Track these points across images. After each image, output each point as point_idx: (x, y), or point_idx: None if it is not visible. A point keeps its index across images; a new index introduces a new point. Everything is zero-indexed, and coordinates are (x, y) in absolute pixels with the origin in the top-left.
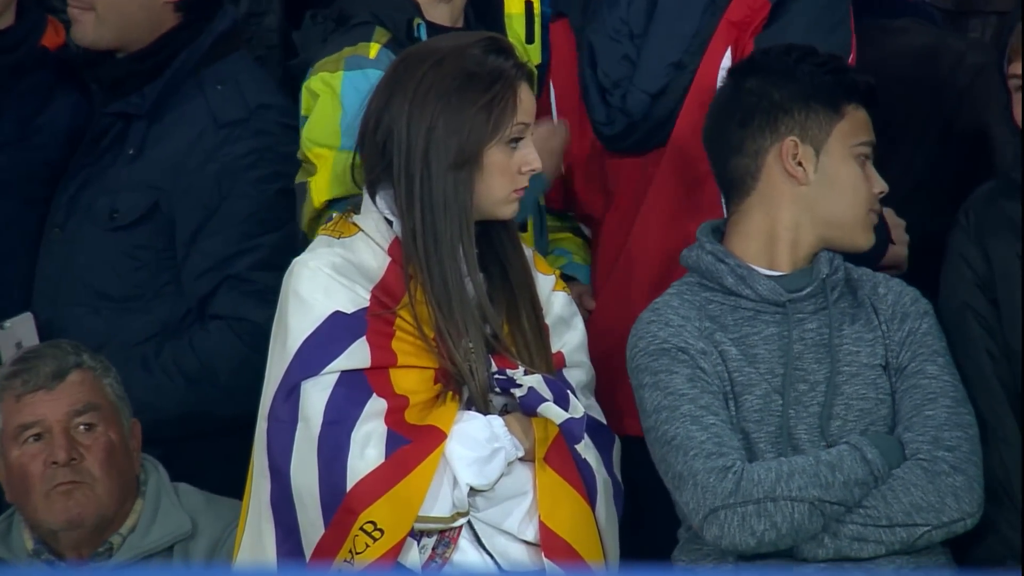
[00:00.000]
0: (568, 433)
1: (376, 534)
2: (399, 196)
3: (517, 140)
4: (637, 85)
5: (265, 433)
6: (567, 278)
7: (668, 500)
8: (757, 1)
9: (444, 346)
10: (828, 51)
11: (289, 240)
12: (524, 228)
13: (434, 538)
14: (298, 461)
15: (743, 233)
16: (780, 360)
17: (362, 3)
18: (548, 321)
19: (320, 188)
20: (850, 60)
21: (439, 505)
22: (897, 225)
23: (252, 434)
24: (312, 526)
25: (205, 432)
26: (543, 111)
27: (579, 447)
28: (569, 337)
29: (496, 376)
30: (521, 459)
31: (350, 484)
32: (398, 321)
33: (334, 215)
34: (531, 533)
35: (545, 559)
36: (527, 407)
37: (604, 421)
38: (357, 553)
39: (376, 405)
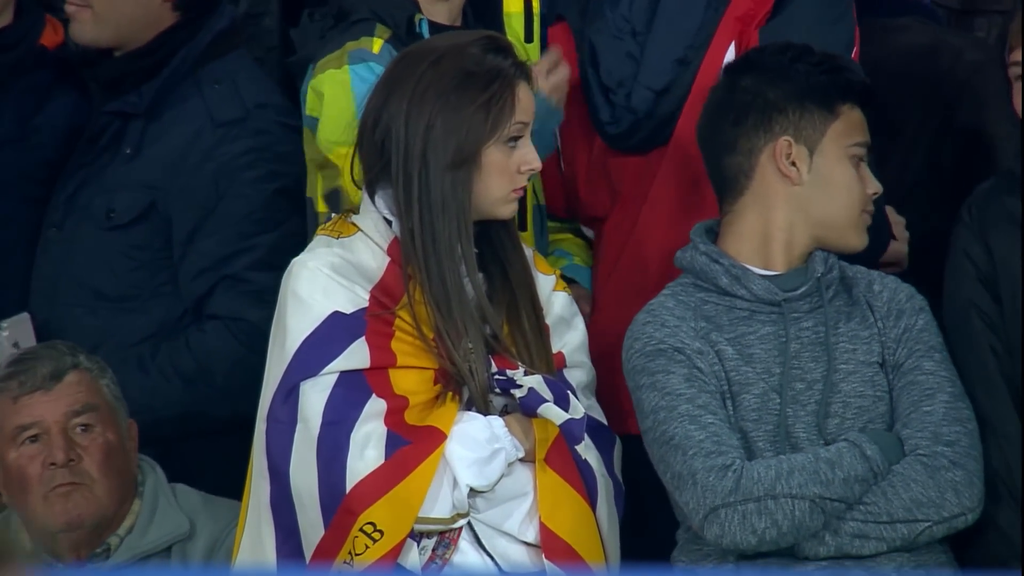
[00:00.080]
0: (568, 434)
1: (376, 535)
2: (397, 196)
3: (516, 139)
4: (641, 82)
5: (264, 434)
6: (567, 280)
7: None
8: None
9: (443, 346)
10: (832, 43)
11: (286, 240)
12: (524, 227)
13: (434, 539)
14: (297, 462)
15: (737, 233)
16: (777, 359)
17: (362, 0)
18: (548, 321)
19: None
20: (853, 53)
21: (439, 506)
22: (897, 222)
23: (249, 434)
24: (312, 527)
25: (202, 432)
26: None
27: (579, 448)
28: (570, 337)
29: (496, 377)
30: (521, 460)
31: (349, 485)
32: (397, 321)
33: (333, 215)
34: (531, 534)
35: (546, 560)
36: (527, 408)
37: (605, 421)
38: (357, 554)
39: (375, 406)
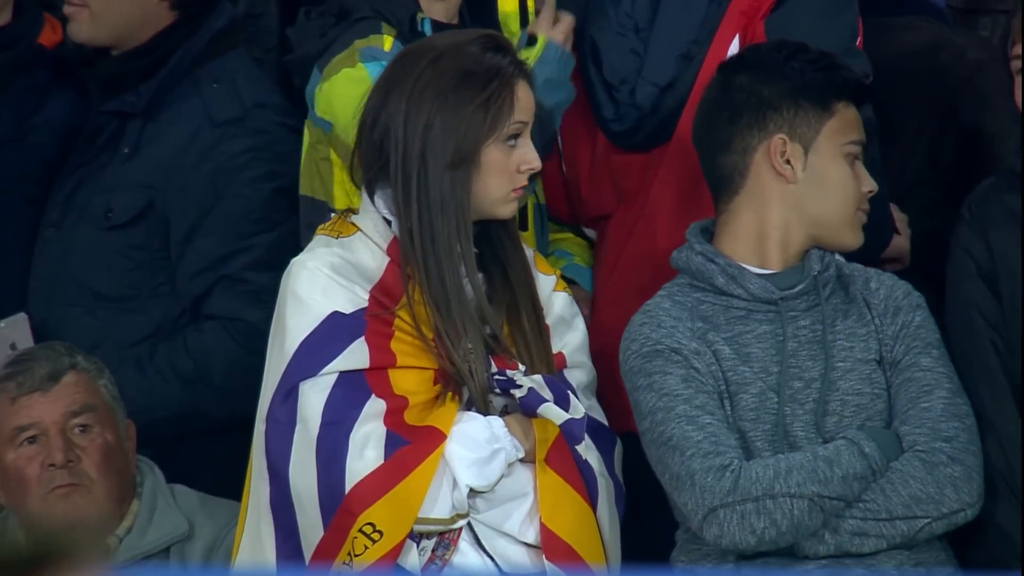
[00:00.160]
0: (568, 434)
1: (375, 536)
2: (396, 195)
3: (515, 138)
4: (646, 78)
5: (263, 435)
6: (567, 281)
7: None
8: None
9: (443, 347)
10: (835, 32)
11: (285, 240)
12: (525, 227)
13: (434, 540)
14: (297, 463)
15: (732, 233)
16: (774, 358)
17: None
18: (549, 321)
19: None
20: (858, 43)
21: (439, 506)
22: (900, 219)
23: (247, 434)
24: (311, 528)
25: (200, 433)
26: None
27: (580, 448)
28: (570, 338)
29: (496, 377)
30: (521, 460)
31: (349, 485)
32: (397, 321)
33: (332, 215)
34: (532, 535)
35: (546, 561)
36: (527, 408)
37: (605, 422)
38: (356, 555)
39: (375, 406)
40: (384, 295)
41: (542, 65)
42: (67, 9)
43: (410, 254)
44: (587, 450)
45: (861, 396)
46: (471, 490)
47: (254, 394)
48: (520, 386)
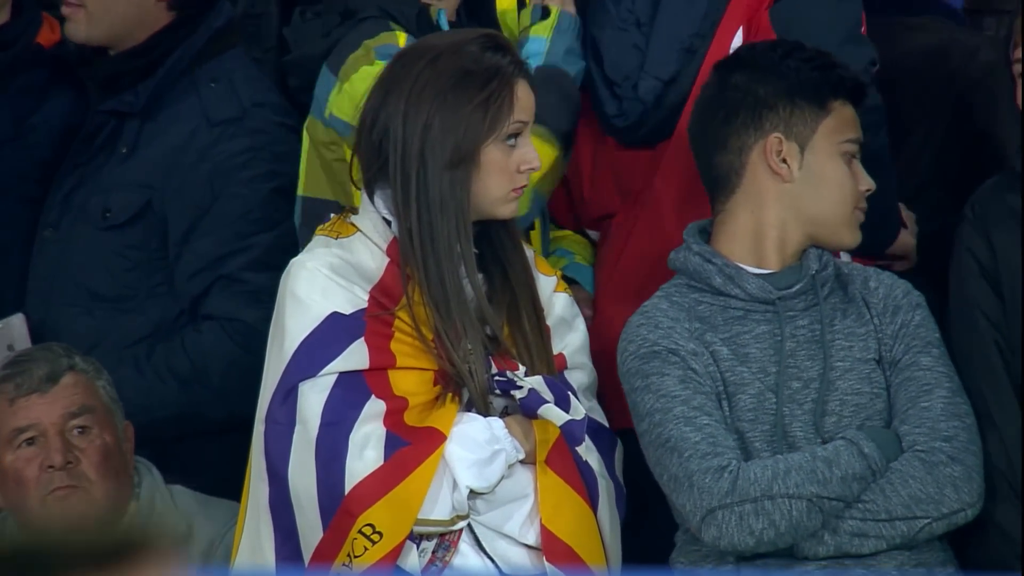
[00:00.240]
0: (569, 435)
1: (375, 537)
2: (395, 195)
3: (515, 137)
4: (648, 72)
5: (263, 436)
6: (568, 281)
7: None
8: None
9: (442, 347)
10: (839, 19)
11: (283, 240)
12: (532, 226)
13: (434, 542)
14: (296, 463)
15: (730, 233)
16: (772, 358)
17: None
18: (549, 322)
19: None
20: (861, 31)
21: (439, 508)
22: (908, 217)
23: (246, 435)
24: (311, 529)
25: (198, 433)
26: None
27: (580, 449)
28: (571, 339)
29: (496, 378)
30: (522, 462)
31: (348, 486)
32: (396, 322)
33: (331, 215)
34: (532, 537)
35: (547, 563)
36: (527, 409)
37: (606, 423)
38: (356, 556)
39: (375, 407)
40: (384, 296)
41: (560, 35)
42: (64, 9)
43: (409, 254)
44: (587, 451)
45: (860, 396)
46: (471, 491)
47: (252, 395)
48: (520, 387)
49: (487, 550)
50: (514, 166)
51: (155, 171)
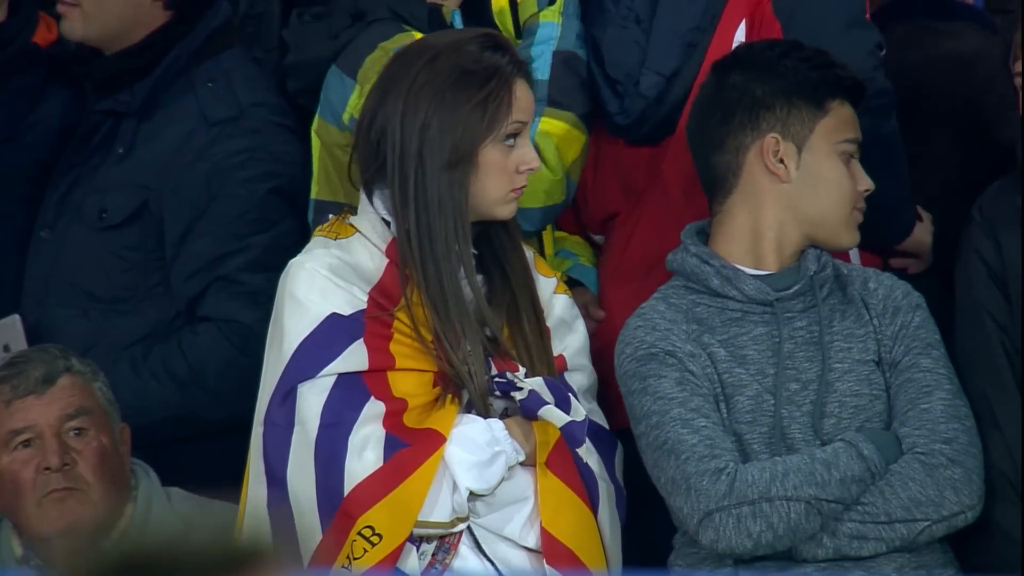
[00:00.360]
0: (570, 436)
1: (374, 539)
2: (393, 196)
3: (514, 137)
4: (650, 68)
5: (261, 438)
6: (572, 283)
7: None
8: None
9: (442, 349)
10: (846, 5)
11: (280, 240)
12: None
13: (434, 544)
14: (295, 465)
15: (727, 234)
16: (771, 360)
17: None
18: (549, 324)
19: None
20: (865, 16)
21: (438, 510)
22: (925, 216)
23: (243, 437)
24: (310, 531)
25: (195, 435)
26: None
27: (581, 451)
28: (571, 340)
29: (496, 379)
30: (522, 464)
31: (348, 488)
32: (396, 323)
33: (331, 216)
34: (532, 539)
35: (547, 566)
36: (528, 410)
37: (606, 425)
38: (355, 558)
39: (374, 408)
40: (383, 297)
41: (568, 19)
42: (60, 7)
43: (408, 255)
44: (588, 453)
45: (859, 397)
46: (471, 493)
47: (249, 396)
48: (521, 388)
49: (487, 553)
50: (513, 166)
51: (152, 171)
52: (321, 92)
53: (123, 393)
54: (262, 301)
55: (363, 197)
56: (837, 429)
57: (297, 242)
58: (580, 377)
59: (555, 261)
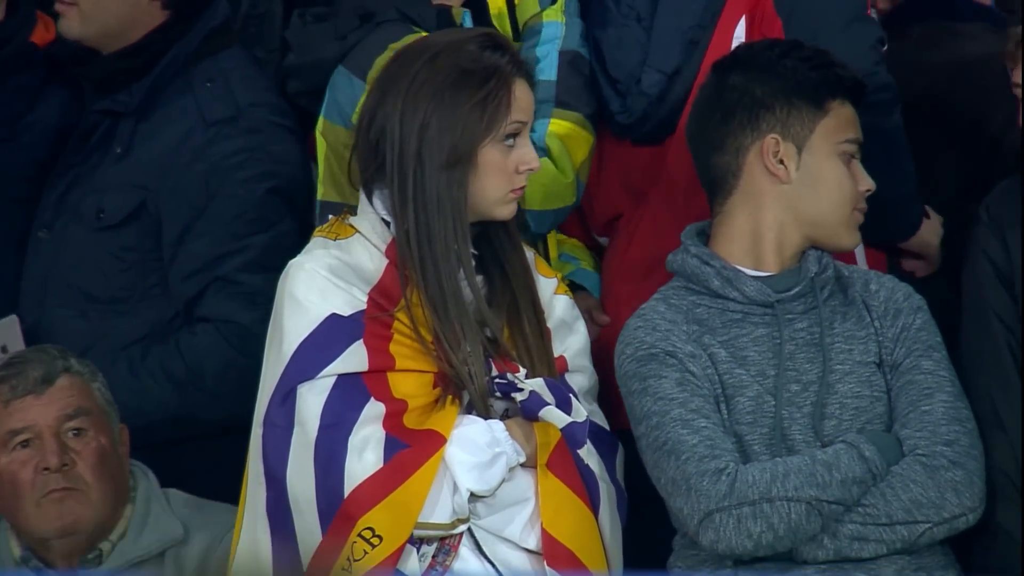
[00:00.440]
0: (570, 437)
1: (375, 540)
2: (392, 196)
3: (514, 137)
4: (652, 66)
5: (260, 439)
6: (575, 288)
7: None
8: None
9: (441, 349)
10: (845, 4)
11: (279, 241)
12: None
13: (434, 545)
14: (294, 467)
15: (727, 235)
16: (771, 361)
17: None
18: (550, 325)
19: None
20: (867, 11)
21: (439, 511)
22: (935, 218)
23: (241, 438)
24: (309, 533)
25: (193, 436)
26: None
27: (582, 452)
28: (571, 341)
29: (497, 380)
30: (523, 465)
31: (347, 489)
32: (396, 324)
33: (330, 217)
34: (533, 541)
35: (547, 567)
36: (529, 412)
37: (607, 427)
38: (355, 560)
39: (374, 409)
40: (383, 297)
41: (571, 18)
42: (58, 6)
43: (407, 255)
44: (589, 454)
45: (860, 399)
46: (472, 495)
47: (247, 397)
48: (521, 389)
49: (488, 554)
50: (512, 166)
51: (150, 171)
52: (327, 93)
53: (121, 394)
54: (260, 302)
55: (363, 197)
56: (838, 431)
57: (296, 242)
58: (581, 378)
59: (557, 264)
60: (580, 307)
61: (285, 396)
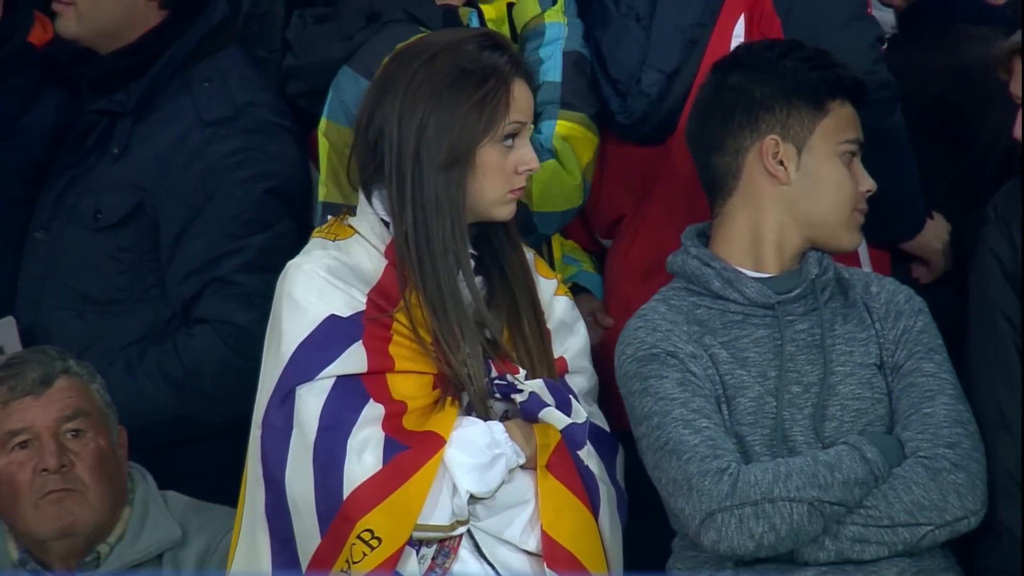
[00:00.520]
0: (570, 438)
1: (374, 542)
2: (391, 196)
3: (512, 138)
4: (651, 65)
5: (259, 440)
6: (577, 290)
7: None
8: None
9: (441, 351)
10: (844, 3)
11: (277, 241)
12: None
13: (434, 547)
14: (293, 469)
15: (728, 236)
16: (772, 363)
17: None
18: (550, 326)
19: None
20: (866, 10)
21: (438, 513)
22: (944, 227)
23: (239, 439)
24: (308, 535)
25: (191, 438)
26: None
27: (582, 454)
28: (571, 342)
29: (496, 382)
30: (522, 467)
31: (347, 491)
32: (395, 325)
33: (329, 217)
34: (533, 543)
35: (547, 570)
36: (528, 413)
37: (607, 428)
38: (354, 562)
39: (373, 411)
40: (382, 298)
41: (572, 18)
42: (55, 6)
43: (405, 256)
44: (589, 456)
45: (861, 401)
46: (471, 496)
47: (245, 398)
48: (521, 390)
49: (487, 556)
50: (511, 167)
51: (147, 172)
52: (330, 93)
53: (118, 395)
54: (258, 302)
55: (362, 198)
56: (838, 432)
57: (294, 243)
58: (581, 379)
59: (562, 266)
60: (584, 310)
61: (284, 398)
